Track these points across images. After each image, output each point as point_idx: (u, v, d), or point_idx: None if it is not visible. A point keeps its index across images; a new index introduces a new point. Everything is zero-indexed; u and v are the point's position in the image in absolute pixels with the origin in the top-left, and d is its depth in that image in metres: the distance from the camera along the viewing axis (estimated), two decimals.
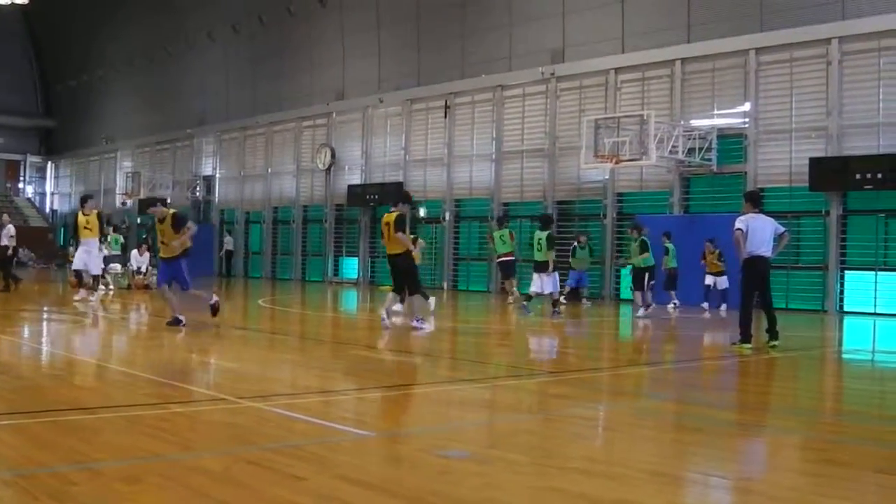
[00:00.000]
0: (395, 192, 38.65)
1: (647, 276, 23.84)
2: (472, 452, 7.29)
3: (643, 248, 23.77)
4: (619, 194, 32.13)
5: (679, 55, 30.23)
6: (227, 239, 45.92)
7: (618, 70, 32.00)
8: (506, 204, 35.48)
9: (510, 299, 27.76)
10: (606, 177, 31.75)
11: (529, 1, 35.23)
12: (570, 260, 28.40)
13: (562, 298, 24.86)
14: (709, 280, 26.57)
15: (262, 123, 47.65)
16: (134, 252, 31.57)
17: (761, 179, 28.43)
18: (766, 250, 15.70)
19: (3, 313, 21.09)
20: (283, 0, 45.42)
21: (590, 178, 32.48)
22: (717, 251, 25.93)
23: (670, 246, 26.40)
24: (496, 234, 27.76)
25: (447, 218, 37.12)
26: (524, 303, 23.08)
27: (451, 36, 38.14)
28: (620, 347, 18.83)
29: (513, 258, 28.00)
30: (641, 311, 23.32)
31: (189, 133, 53.40)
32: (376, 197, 39.83)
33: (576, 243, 29.11)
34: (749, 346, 15.09)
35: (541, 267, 22.94)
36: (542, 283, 22.93)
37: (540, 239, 23.11)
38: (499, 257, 28.09)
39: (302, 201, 45.27)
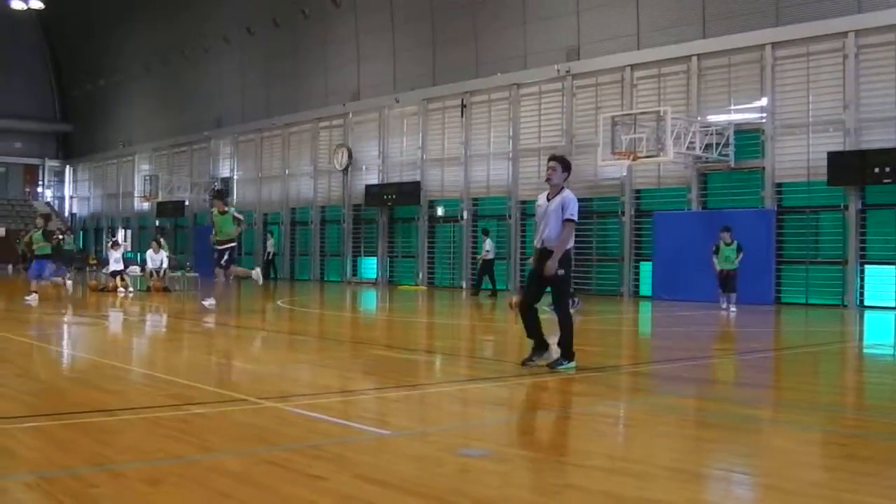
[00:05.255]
0: (412, 192, 39.04)
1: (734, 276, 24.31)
2: (492, 451, 7.28)
3: (740, 250, 24.29)
4: (637, 191, 32.07)
5: (695, 51, 30.15)
6: (270, 241, 45.88)
7: (634, 67, 31.95)
8: (523, 202, 35.44)
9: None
10: (624, 174, 31.70)
11: None
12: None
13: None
14: None
15: (278, 125, 47.75)
16: (149, 252, 31.66)
17: (779, 174, 28.37)
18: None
19: (22, 316, 21.16)
20: (297, 2, 45.45)
21: (607, 175, 32.42)
22: None
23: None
24: None
25: (465, 217, 37.10)
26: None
27: (465, 35, 38.12)
28: (642, 345, 18.79)
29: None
30: (733, 309, 23.93)
31: (206, 135, 53.52)
32: (394, 197, 39.89)
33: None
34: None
35: None
36: None
37: None
38: None
39: (319, 202, 45.33)
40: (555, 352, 11.90)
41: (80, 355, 14.34)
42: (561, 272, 11.67)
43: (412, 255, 40.36)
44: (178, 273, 34.69)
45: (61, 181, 74.37)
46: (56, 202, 73.40)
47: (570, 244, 11.90)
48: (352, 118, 43.47)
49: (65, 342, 16.75)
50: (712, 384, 11.96)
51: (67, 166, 73.58)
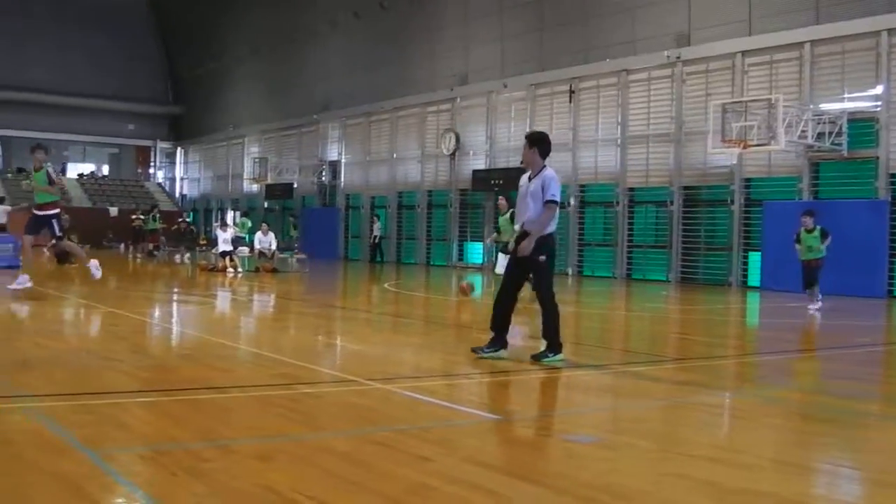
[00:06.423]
0: (519, 177, 38.96)
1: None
2: (598, 437, 7.30)
3: (825, 236, 21.49)
4: (747, 180, 31.63)
5: (808, 37, 29.57)
6: (377, 225, 46.39)
7: (745, 53, 31.47)
8: (631, 189, 35.21)
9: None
10: (734, 162, 31.29)
11: None
12: None
13: None
14: None
15: (386, 109, 47.95)
16: (258, 234, 32.09)
17: (894, 164, 27.78)
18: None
19: (133, 294, 21.63)
20: None
21: (717, 163, 32.03)
22: None
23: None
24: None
25: (572, 203, 36.96)
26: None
27: (574, 20, 37.91)
28: (749, 335, 18.60)
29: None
30: (819, 305, 21.32)
31: (314, 119, 54.00)
32: (501, 182, 39.87)
33: None
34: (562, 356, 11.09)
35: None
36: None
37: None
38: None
39: (426, 186, 45.48)
40: (542, 345, 11.23)
41: (190, 333, 14.64)
42: (542, 258, 11.04)
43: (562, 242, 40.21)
44: (287, 254, 35.14)
45: (172, 162, 75.72)
46: (167, 183, 74.74)
47: (552, 228, 11.18)
48: (459, 103, 43.52)
49: (175, 320, 17.09)
50: (820, 377, 11.81)
51: (178, 148, 74.85)
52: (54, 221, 18.48)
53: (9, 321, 15.18)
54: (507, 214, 20.54)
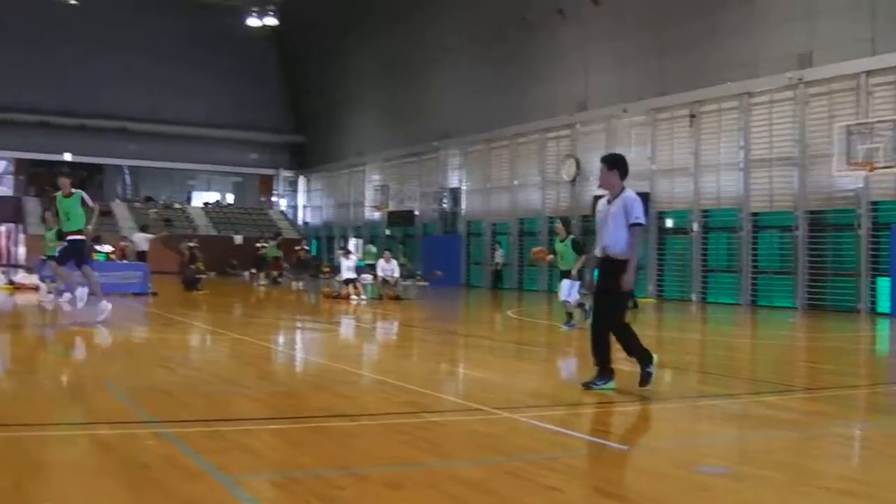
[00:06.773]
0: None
1: None
2: (728, 469, 7.22)
3: None
4: (874, 203, 30.92)
5: None
6: (499, 252, 46.57)
7: (869, 73, 30.84)
8: (755, 214, 34.70)
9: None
10: (860, 185, 30.64)
11: (774, 4, 34.31)
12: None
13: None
14: None
15: (506, 135, 48.01)
16: (380, 261, 32.37)
17: None
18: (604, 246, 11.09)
19: (257, 321, 21.99)
20: (521, 11, 45.75)
21: (842, 186, 31.39)
22: None
23: None
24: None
25: (695, 228, 36.60)
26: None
27: (693, 43, 37.51)
28: (880, 364, 18.20)
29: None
30: None
31: (434, 146, 54.27)
32: None
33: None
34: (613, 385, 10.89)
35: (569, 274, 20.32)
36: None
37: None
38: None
39: (547, 212, 45.33)
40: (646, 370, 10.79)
41: (316, 360, 14.84)
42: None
43: (641, 266, 39.85)
44: (409, 282, 35.36)
45: (294, 191, 76.68)
46: (290, 211, 75.77)
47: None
48: (579, 128, 43.38)
49: (299, 347, 17.34)
50: None
51: (300, 176, 75.81)
52: (80, 247, 18.28)
53: (142, 348, 15.57)
54: (568, 241, 20.41)
